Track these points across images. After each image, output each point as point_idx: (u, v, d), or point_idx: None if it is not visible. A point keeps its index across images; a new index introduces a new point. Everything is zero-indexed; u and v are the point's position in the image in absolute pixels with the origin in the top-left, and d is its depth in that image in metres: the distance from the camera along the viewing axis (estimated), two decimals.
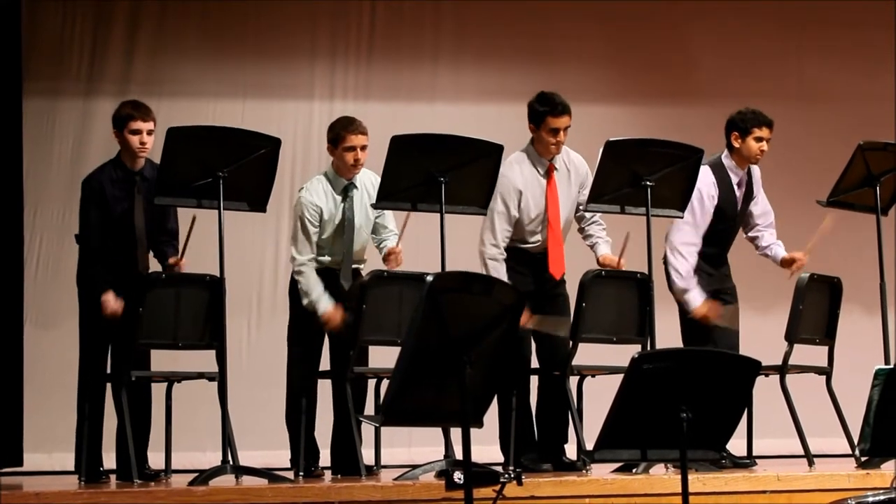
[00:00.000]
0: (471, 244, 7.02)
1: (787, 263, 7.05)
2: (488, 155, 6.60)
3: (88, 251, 6.56)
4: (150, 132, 6.56)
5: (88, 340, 6.56)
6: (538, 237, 6.74)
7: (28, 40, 8.47)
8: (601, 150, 6.61)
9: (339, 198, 6.75)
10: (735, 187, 7.00)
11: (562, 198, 6.78)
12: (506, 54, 9.05)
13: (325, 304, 6.58)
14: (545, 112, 6.66)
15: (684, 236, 6.88)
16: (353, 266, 6.72)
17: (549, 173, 6.77)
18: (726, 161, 7.00)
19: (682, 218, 6.85)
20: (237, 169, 6.39)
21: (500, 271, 6.64)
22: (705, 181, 6.83)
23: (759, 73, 8.63)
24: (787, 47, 9.33)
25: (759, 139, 6.94)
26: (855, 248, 8.06)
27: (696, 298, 6.86)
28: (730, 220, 7.02)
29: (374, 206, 6.70)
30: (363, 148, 6.69)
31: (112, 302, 6.41)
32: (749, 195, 7.10)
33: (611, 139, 6.62)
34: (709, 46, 9.23)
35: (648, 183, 6.63)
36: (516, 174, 6.71)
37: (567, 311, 6.74)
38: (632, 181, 6.64)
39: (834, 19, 9.33)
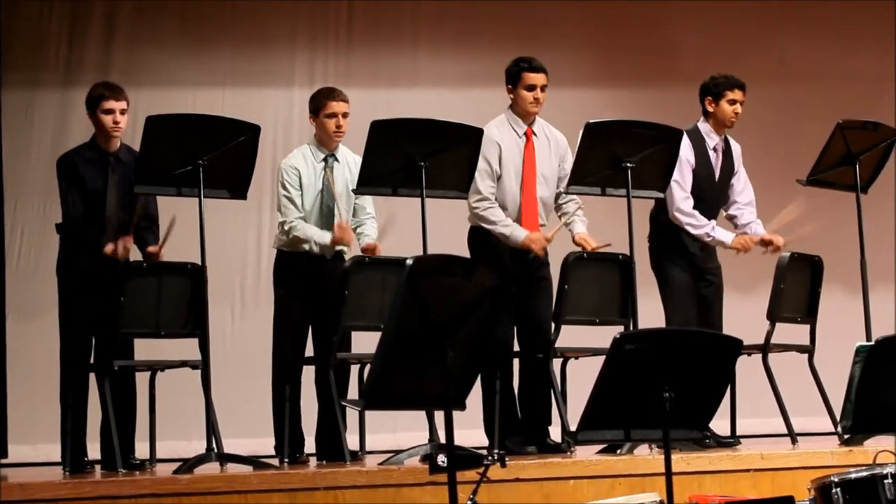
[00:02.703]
0: (452, 228, 7.02)
1: (765, 243, 7.08)
2: (468, 139, 6.61)
3: (75, 225, 6.53)
4: (122, 111, 6.56)
5: (69, 331, 6.55)
6: (516, 203, 6.73)
7: (5, 31, 8.44)
8: (581, 132, 6.62)
9: (319, 166, 6.77)
10: (711, 151, 7.06)
11: (540, 164, 6.79)
12: (486, 38, 9.05)
13: (328, 234, 6.61)
14: (521, 69, 6.73)
15: (677, 197, 6.92)
16: (338, 249, 6.73)
17: (527, 137, 6.79)
18: (702, 126, 7.09)
19: (662, 198, 6.87)
20: (217, 157, 6.39)
21: (496, 213, 6.67)
22: (683, 147, 6.88)
23: (740, 54, 8.64)
24: (767, 28, 9.34)
25: (732, 101, 7.03)
26: (835, 226, 8.07)
27: (725, 235, 6.94)
28: (709, 189, 7.04)
29: (356, 192, 6.71)
30: (345, 115, 6.75)
31: (117, 247, 6.38)
32: (729, 166, 7.14)
33: (591, 121, 6.64)
34: (689, 28, 9.24)
35: (629, 164, 6.64)
36: (493, 132, 6.77)
37: (550, 295, 6.74)
38: (612, 163, 6.66)
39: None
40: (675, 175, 6.85)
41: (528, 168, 6.77)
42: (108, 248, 6.43)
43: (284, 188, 6.73)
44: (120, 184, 6.56)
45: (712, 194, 7.09)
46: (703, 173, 7.04)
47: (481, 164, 6.68)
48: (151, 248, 6.55)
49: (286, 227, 6.70)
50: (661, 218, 7.04)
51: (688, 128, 7.02)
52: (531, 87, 6.72)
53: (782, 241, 7.04)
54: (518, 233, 6.65)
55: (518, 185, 6.76)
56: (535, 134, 6.83)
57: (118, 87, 6.64)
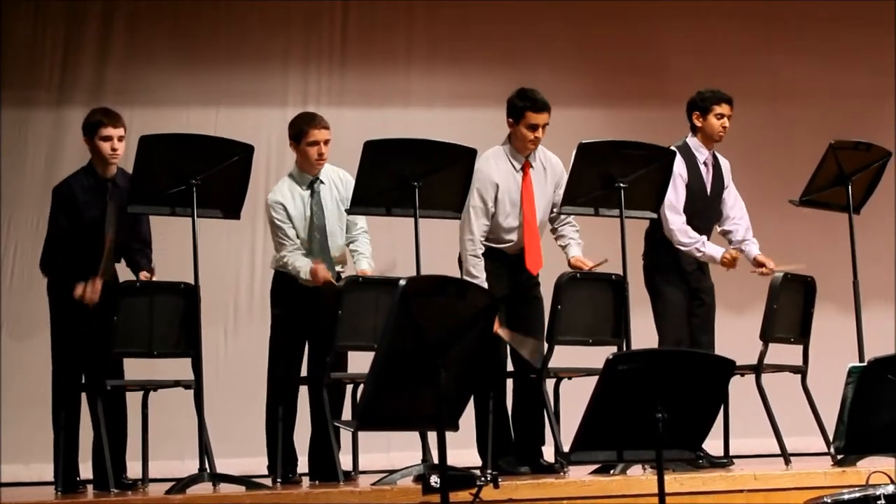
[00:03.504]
0: (446, 248, 7.03)
1: (757, 264, 7.10)
2: (461, 159, 6.61)
3: (54, 256, 6.53)
4: (120, 138, 6.57)
5: (61, 350, 6.54)
6: (514, 235, 6.74)
7: (0, 50, 8.46)
8: (574, 153, 6.62)
9: (305, 193, 6.76)
10: (701, 165, 7.09)
11: (537, 195, 6.79)
12: (479, 58, 9.06)
13: (308, 266, 6.58)
14: (525, 107, 6.68)
15: (666, 216, 6.93)
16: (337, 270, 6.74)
17: (524, 170, 6.79)
18: (691, 141, 7.11)
19: (655, 217, 6.89)
20: (210, 176, 6.38)
21: (479, 268, 6.65)
22: (676, 163, 6.90)
23: (731, 74, 8.65)
24: (758, 47, 9.37)
25: (719, 116, 7.06)
26: (828, 247, 8.09)
27: (715, 250, 6.94)
28: (702, 204, 7.05)
29: (349, 212, 6.71)
30: (326, 142, 6.72)
31: (85, 288, 6.37)
32: (719, 181, 7.15)
33: (583, 141, 6.64)
34: (681, 48, 9.26)
35: (622, 185, 6.65)
36: (492, 168, 6.73)
37: (542, 314, 6.74)
38: (605, 183, 6.66)
39: (805, 17, 9.38)
40: (669, 191, 6.86)
41: (526, 203, 6.74)
42: (77, 290, 6.40)
43: (274, 225, 6.73)
44: (117, 209, 6.55)
45: (705, 209, 7.10)
46: (695, 188, 7.06)
47: (476, 201, 6.65)
48: (144, 275, 6.54)
49: (281, 262, 6.71)
50: (657, 236, 7.05)
51: (677, 144, 7.04)
52: (533, 127, 6.68)
53: (773, 265, 7.05)
54: None
55: (518, 219, 6.73)
56: (531, 166, 6.81)
57: (116, 113, 6.63)
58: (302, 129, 6.72)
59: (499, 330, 6.18)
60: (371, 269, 6.74)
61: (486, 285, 6.59)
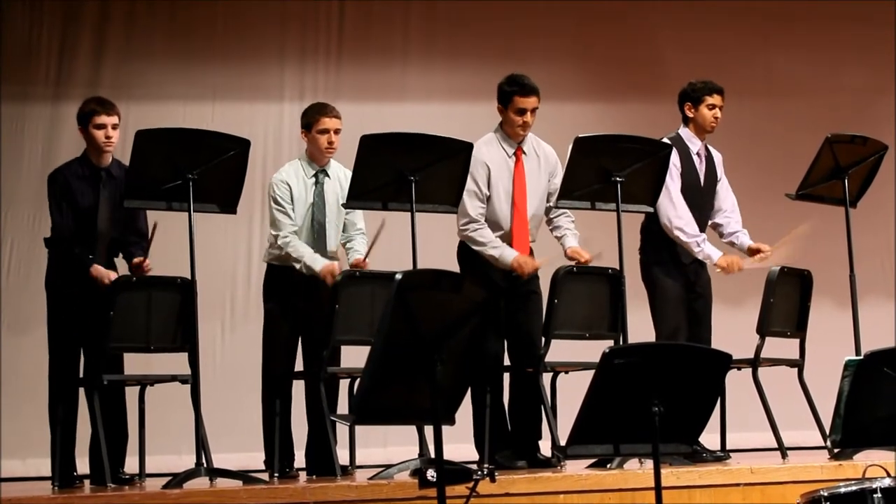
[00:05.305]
0: (442, 243, 7.03)
1: (752, 252, 7.11)
2: (458, 153, 6.61)
3: (63, 241, 6.54)
4: (114, 126, 6.58)
5: (58, 345, 6.55)
6: (507, 224, 6.74)
7: None
8: (570, 147, 6.63)
9: (310, 181, 6.77)
10: (695, 157, 7.10)
11: (530, 183, 6.79)
12: (475, 53, 9.07)
13: (320, 262, 6.59)
14: (513, 92, 6.69)
15: (669, 207, 6.93)
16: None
17: (517, 156, 6.79)
18: (683, 133, 7.12)
19: (652, 211, 6.89)
20: (207, 171, 6.39)
21: (485, 234, 6.66)
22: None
23: (727, 68, 8.66)
24: (754, 42, 9.38)
25: (711, 106, 7.07)
26: (825, 240, 8.09)
27: (713, 250, 6.97)
28: (696, 195, 7.05)
29: (345, 206, 6.71)
30: (337, 132, 6.75)
31: (104, 273, 6.40)
32: (712, 173, 7.16)
33: (580, 135, 6.64)
34: (676, 42, 9.27)
35: (618, 179, 6.65)
36: (483, 152, 6.74)
37: (540, 309, 6.74)
38: (602, 177, 6.67)
39: (800, 13, 9.39)
40: (667, 181, 6.86)
41: (518, 189, 6.76)
42: (96, 271, 6.42)
43: (276, 203, 6.74)
44: (111, 199, 6.56)
45: (699, 200, 7.10)
46: (689, 179, 7.06)
47: (470, 184, 6.67)
48: (137, 260, 6.55)
49: (279, 242, 6.70)
50: (654, 229, 7.05)
51: (669, 135, 7.05)
52: (521, 111, 6.69)
53: (768, 247, 7.06)
54: (507, 254, 6.64)
55: (508, 205, 6.74)
56: (524, 153, 6.81)
57: (109, 102, 6.64)
58: (313, 118, 6.77)
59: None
60: (364, 258, 6.71)
61: (498, 247, 6.60)
